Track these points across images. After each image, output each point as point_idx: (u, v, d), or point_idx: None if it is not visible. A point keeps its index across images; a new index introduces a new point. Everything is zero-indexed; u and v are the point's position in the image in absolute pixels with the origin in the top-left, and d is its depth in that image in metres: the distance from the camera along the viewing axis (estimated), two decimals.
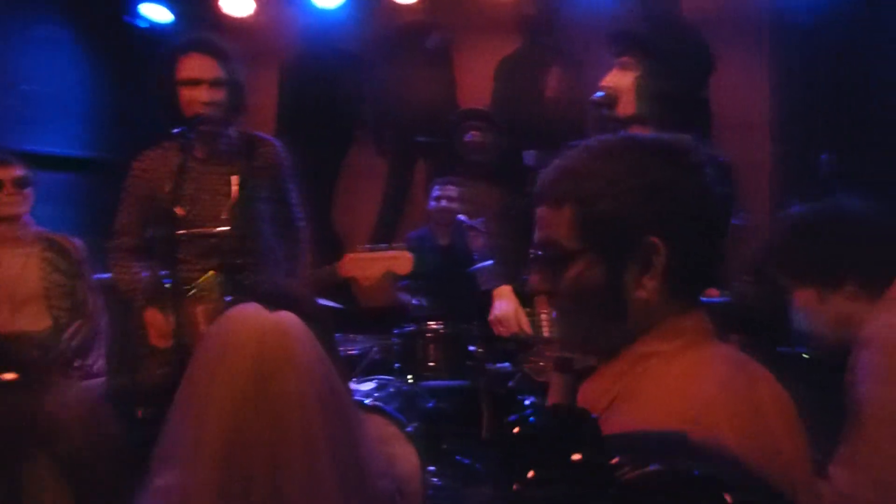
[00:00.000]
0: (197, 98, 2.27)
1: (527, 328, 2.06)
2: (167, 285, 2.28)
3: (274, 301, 1.05)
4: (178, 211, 2.29)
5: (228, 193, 2.39)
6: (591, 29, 4.25)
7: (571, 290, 0.99)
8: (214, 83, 2.29)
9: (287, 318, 1.02)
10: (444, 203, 4.07)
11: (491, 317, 2.12)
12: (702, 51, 4.04)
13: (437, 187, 4.15)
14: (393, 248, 2.28)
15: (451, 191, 4.13)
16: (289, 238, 2.56)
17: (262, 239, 2.46)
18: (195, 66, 2.28)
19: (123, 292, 2.52)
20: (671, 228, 0.95)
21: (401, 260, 2.27)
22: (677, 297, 0.97)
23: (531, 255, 1.05)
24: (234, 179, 2.38)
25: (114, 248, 2.55)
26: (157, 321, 2.39)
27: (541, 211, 1.03)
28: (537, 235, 1.04)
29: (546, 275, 1.03)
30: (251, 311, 1.03)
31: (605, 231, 0.96)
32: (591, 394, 1.00)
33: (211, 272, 2.39)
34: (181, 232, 2.34)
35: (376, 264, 2.28)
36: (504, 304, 2.10)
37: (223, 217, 2.38)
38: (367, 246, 2.31)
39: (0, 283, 2.74)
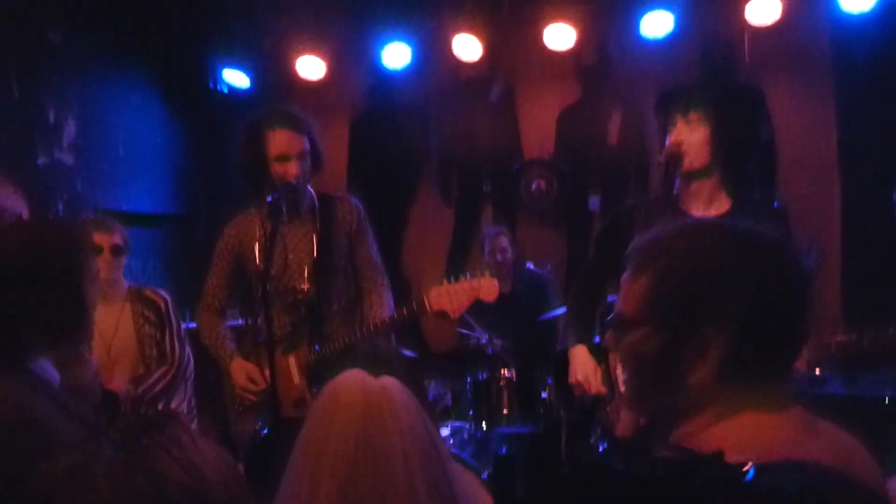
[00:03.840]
0: (288, 171, 2.43)
1: (602, 390, 2.11)
2: (257, 340, 2.45)
3: (375, 366, 1.15)
4: (269, 271, 2.45)
5: (311, 252, 2.55)
6: (649, 76, 4.35)
7: (627, 354, 1.05)
8: (301, 156, 2.45)
9: (390, 383, 1.12)
10: (498, 256, 4.16)
11: (571, 380, 2.18)
12: (759, 100, 4.08)
13: (487, 240, 4.23)
14: (476, 277, 2.30)
15: (502, 242, 4.22)
16: (372, 286, 2.64)
17: (342, 291, 2.61)
18: (284, 141, 2.42)
19: (209, 348, 2.70)
20: (732, 320, 0.95)
21: (487, 287, 2.30)
22: (742, 377, 0.97)
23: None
24: (315, 238, 2.55)
25: (202, 309, 2.74)
26: (243, 370, 2.55)
27: (625, 274, 1.07)
28: (618, 297, 1.09)
29: (614, 334, 1.09)
30: (358, 378, 1.13)
31: (667, 308, 0.99)
32: None
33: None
34: (269, 290, 2.47)
35: (463, 294, 2.31)
36: (581, 366, 2.16)
37: (306, 274, 2.54)
38: (450, 278, 2.34)
39: (97, 339, 2.93)
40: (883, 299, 3.94)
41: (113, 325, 2.96)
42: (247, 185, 2.51)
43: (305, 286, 2.53)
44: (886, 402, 3.37)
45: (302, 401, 2.44)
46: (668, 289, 0.99)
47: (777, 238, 1.01)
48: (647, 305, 1.01)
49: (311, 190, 2.61)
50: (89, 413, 1.36)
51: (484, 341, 3.74)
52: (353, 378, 1.13)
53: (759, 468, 0.77)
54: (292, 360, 2.53)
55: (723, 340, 0.95)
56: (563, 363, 2.22)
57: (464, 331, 3.98)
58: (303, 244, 2.57)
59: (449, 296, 2.33)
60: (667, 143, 2.06)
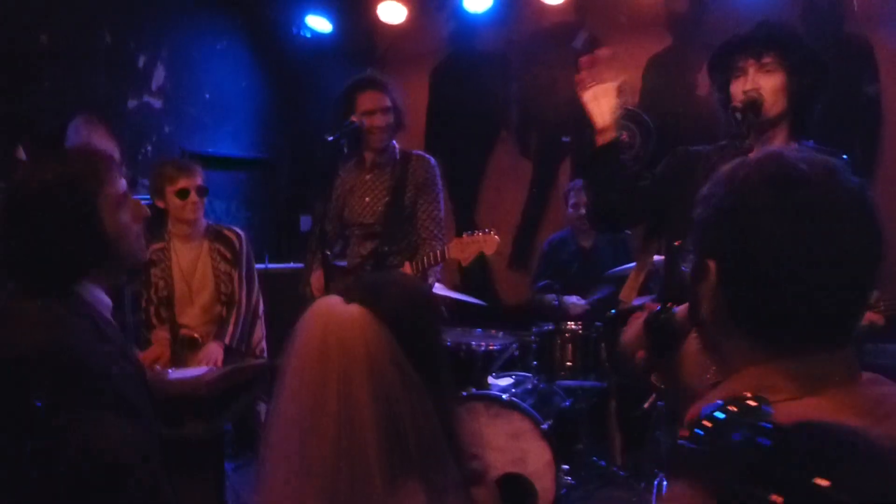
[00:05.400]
0: (374, 123, 2.89)
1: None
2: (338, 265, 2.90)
3: (355, 294, 1.14)
4: (348, 209, 3.01)
5: (384, 196, 2.99)
6: (744, 26, 4.08)
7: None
8: (385, 111, 2.93)
9: (351, 310, 1.11)
10: (582, 210, 4.06)
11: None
12: (866, 54, 3.74)
13: (571, 192, 4.15)
14: (484, 233, 2.70)
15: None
16: (427, 236, 2.97)
17: (405, 235, 3.00)
18: (371, 99, 2.91)
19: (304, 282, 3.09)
20: (733, 259, 0.89)
21: (489, 242, 2.68)
22: (748, 326, 0.90)
23: None
24: (390, 186, 2.98)
25: (311, 242, 3.13)
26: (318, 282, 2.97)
27: None
28: None
29: None
30: (326, 304, 1.14)
31: (695, 238, 0.95)
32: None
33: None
34: (350, 225, 3.05)
35: (471, 247, 2.69)
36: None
37: (377, 214, 3.00)
38: (468, 232, 2.73)
39: (179, 274, 3.10)
40: None
41: (193, 261, 3.12)
42: (343, 137, 2.83)
43: (374, 223, 2.98)
44: None
45: None
46: (698, 219, 0.95)
47: (830, 181, 0.86)
48: (691, 236, 0.97)
49: (396, 145, 3.04)
50: (128, 344, 1.44)
51: (553, 296, 3.71)
52: (322, 304, 1.14)
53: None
54: None
55: (719, 275, 0.89)
56: (614, 324, 2.17)
57: (541, 283, 3.95)
58: (380, 189, 3.01)
59: (461, 247, 2.70)
60: (733, 91, 1.94)
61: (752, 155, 0.92)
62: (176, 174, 3.01)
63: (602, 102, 2.06)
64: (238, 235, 3.17)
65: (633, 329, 1.58)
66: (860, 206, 0.87)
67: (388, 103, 2.93)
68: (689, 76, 4.61)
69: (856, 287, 0.88)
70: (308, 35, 5.12)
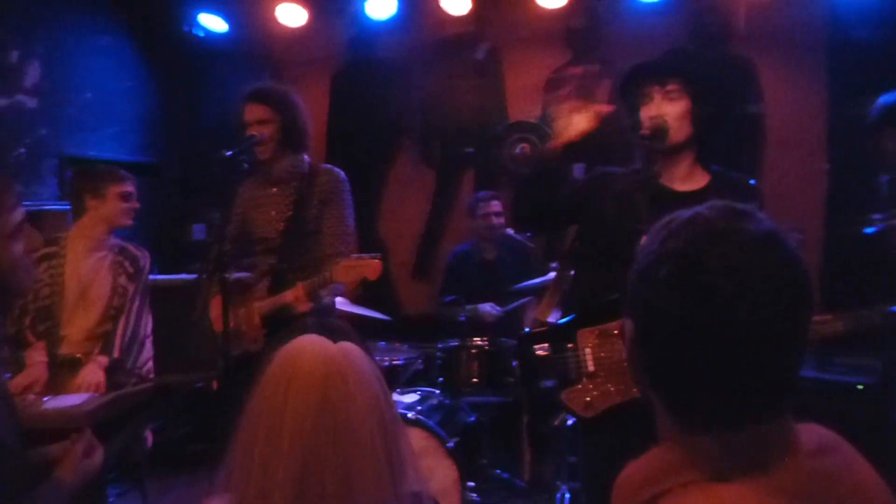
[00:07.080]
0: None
1: None
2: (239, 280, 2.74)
3: (331, 333, 1.12)
4: (252, 223, 2.85)
5: (289, 209, 2.83)
6: (640, 42, 4.22)
7: None
8: (262, 123, 2.77)
9: (349, 346, 1.10)
10: (493, 220, 4.05)
11: None
12: (746, 71, 3.96)
13: (480, 203, 4.14)
14: (369, 257, 2.58)
15: (495, 206, 4.10)
16: (331, 252, 2.81)
17: (308, 251, 2.81)
18: (249, 111, 2.80)
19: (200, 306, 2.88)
20: (641, 324, 0.84)
21: (372, 267, 2.55)
22: (671, 403, 0.84)
23: None
24: (294, 200, 2.82)
25: (211, 255, 2.95)
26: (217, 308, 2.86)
27: None
28: None
29: None
30: (317, 342, 1.10)
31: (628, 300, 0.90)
32: (631, 479, 0.86)
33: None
34: (253, 239, 2.87)
35: (355, 271, 2.57)
36: None
37: (280, 229, 2.84)
38: (355, 255, 2.61)
39: (75, 278, 2.91)
40: (865, 286, 3.90)
41: (93, 270, 2.96)
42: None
43: (275, 238, 2.82)
44: (861, 389, 3.33)
45: (257, 339, 2.76)
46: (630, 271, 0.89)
47: (763, 257, 0.78)
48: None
49: (307, 159, 2.89)
50: None
51: (463, 308, 3.68)
52: (312, 342, 1.09)
53: None
54: (255, 304, 2.80)
55: (635, 335, 0.85)
56: (526, 341, 2.14)
57: (449, 298, 3.91)
58: (284, 203, 2.85)
59: (346, 270, 2.57)
60: (641, 117, 1.97)
61: (682, 215, 0.84)
62: (123, 176, 2.95)
63: (574, 119, 2.05)
64: (145, 255, 3.09)
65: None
66: (780, 288, 0.78)
67: (267, 116, 2.78)
68: (587, 90, 4.70)
69: (762, 369, 0.79)
70: (201, 34, 4.87)
